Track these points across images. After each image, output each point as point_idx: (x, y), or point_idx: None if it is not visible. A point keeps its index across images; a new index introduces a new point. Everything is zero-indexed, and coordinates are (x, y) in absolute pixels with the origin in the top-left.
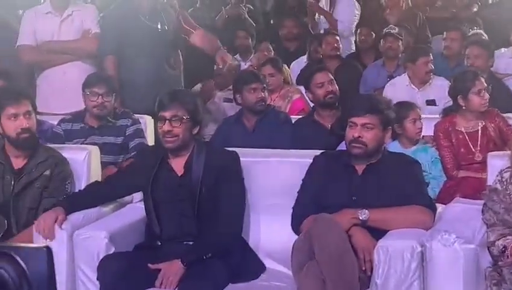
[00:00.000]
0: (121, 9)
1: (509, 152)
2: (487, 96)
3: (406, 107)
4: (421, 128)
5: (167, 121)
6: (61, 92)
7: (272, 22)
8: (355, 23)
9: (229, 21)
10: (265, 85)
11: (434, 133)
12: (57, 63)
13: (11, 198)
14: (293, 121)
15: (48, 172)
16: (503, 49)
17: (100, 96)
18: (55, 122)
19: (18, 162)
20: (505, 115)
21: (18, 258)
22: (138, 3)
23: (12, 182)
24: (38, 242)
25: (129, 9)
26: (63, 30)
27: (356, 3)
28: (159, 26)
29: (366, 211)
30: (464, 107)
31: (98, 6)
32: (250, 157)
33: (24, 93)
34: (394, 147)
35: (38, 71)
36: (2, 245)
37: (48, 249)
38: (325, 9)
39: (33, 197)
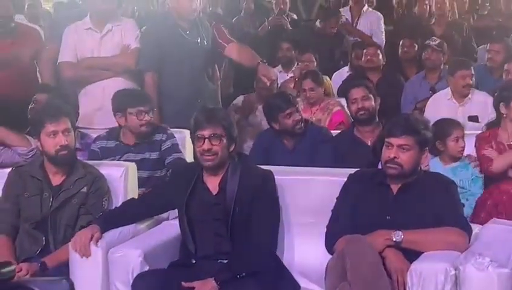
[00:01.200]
0: (161, 25)
1: None
2: None
3: (449, 124)
4: (464, 146)
5: (206, 140)
6: (101, 108)
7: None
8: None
9: (272, 32)
10: (297, 106)
11: (475, 144)
12: (97, 79)
13: (49, 214)
14: (333, 135)
15: (85, 189)
16: None
17: (146, 114)
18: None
19: (56, 179)
20: None
21: None
22: (178, 18)
23: (51, 199)
24: (75, 259)
25: (169, 25)
26: (103, 46)
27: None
28: (198, 41)
29: (400, 232)
30: (505, 115)
31: (137, 20)
32: (285, 176)
33: (63, 111)
34: (435, 163)
35: (79, 87)
36: (23, 279)
37: (69, 281)
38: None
39: (71, 214)
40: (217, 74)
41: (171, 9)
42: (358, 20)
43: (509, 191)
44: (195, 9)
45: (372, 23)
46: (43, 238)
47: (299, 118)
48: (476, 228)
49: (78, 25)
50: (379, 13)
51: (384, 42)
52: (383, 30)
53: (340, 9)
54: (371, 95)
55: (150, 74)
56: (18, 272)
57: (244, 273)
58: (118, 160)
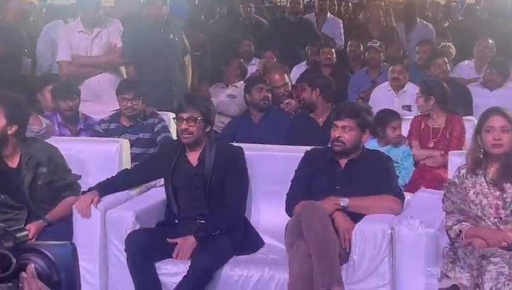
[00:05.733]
0: (139, 25)
1: (465, 151)
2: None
3: (389, 115)
4: (400, 135)
5: (185, 121)
6: (100, 98)
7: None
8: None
9: (237, 31)
10: (269, 88)
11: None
12: (91, 75)
13: (26, 196)
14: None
15: (45, 169)
16: (466, 61)
17: (129, 101)
18: (99, 118)
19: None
20: (466, 117)
21: (47, 252)
22: (153, 20)
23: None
24: (78, 220)
25: (146, 25)
26: (94, 46)
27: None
28: (171, 37)
29: (347, 199)
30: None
31: (119, 18)
32: (253, 151)
33: None
34: (372, 144)
35: (78, 81)
36: (31, 243)
37: (72, 245)
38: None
39: (43, 192)
40: (188, 63)
41: (147, 13)
42: (322, 25)
43: (431, 172)
44: (164, 14)
45: (334, 28)
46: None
47: (267, 95)
48: (408, 195)
49: (71, 26)
50: (339, 20)
51: (343, 43)
52: (342, 33)
53: (307, 15)
54: (309, 87)
55: (131, 67)
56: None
57: (218, 232)
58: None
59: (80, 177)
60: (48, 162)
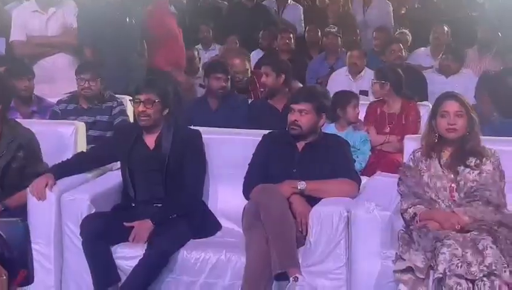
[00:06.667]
0: (96, 6)
1: (420, 136)
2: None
3: (348, 95)
4: (359, 113)
5: (141, 103)
6: (54, 79)
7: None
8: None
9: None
10: (229, 76)
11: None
12: (46, 56)
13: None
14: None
15: (21, 153)
16: (422, 48)
17: (86, 82)
18: (53, 100)
19: None
20: (421, 102)
21: None
22: (112, 0)
23: None
24: (32, 202)
25: (102, 6)
26: (49, 27)
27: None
28: (127, 20)
29: (304, 182)
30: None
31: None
32: (211, 135)
33: None
34: (330, 129)
35: (32, 62)
36: None
37: (24, 222)
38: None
39: (13, 177)
40: (145, 48)
41: None
42: (283, 11)
43: (388, 156)
44: None
45: (295, 14)
46: None
47: (224, 85)
48: (364, 179)
49: (26, 6)
50: (300, 6)
51: (303, 29)
52: (303, 19)
53: (266, 1)
54: (273, 72)
55: (88, 49)
56: None
57: (175, 215)
58: (75, 120)
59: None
60: (27, 147)
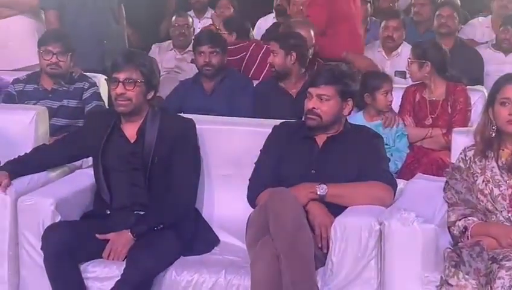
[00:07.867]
0: None
1: (472, 129)
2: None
3: (379, 77)
4: (392, 100)
5: (120, 84)
6: (6, 47)
7: None
8: None
9: None
10: (218, 49)
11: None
12: (2, 17)
13: None
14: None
15: None
16: (480, 18)
17: (54, 56)
18: (7, 78)
19: None
20: (473, 87)
21: None
22: None
23: None
24: None
25: None
26: None
27: None
28: None
29: (325, 185)
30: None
31: None
32: (206, 125)
33: None
34: (357, 119)
35: None
36: None
37: None
38: None
39: None
40: (123, 14)
41: None
42: None
43: (430, 155)
44: None
45: None
46: None
47: (209, 61)
48: (401, 183)
49: None
50: None
51: None
52: None
53: None
54: (282, 50)
55: (52, 12)
56: None
57: (161, 226)
58: (35, 104)
59: None
60: None
